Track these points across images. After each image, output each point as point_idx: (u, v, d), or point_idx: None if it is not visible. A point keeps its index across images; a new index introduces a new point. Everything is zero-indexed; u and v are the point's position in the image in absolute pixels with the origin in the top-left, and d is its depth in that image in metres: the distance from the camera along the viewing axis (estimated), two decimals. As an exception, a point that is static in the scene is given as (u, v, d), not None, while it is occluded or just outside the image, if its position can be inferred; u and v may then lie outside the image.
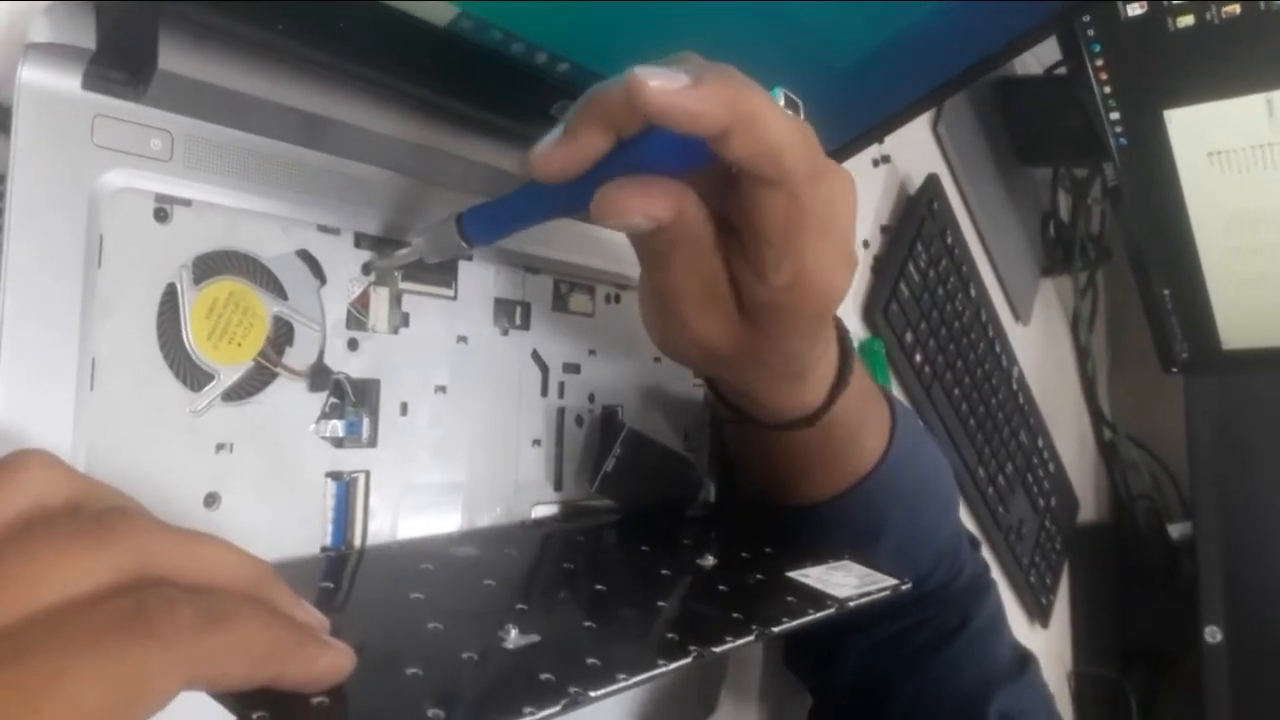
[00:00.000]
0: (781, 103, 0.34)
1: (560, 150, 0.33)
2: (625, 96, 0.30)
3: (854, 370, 0.47)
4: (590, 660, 0.33)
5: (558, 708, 0.29)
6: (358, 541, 0.40)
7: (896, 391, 0.84)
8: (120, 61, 0.31)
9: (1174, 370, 1.06)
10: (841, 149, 0.55)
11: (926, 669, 0.57)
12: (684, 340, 0.40)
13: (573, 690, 0.30)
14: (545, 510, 0.49)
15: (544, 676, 0.31)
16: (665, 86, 0.30)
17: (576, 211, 0.35)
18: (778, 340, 0.39)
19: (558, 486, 0.49)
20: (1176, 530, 1.28)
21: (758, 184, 0.33)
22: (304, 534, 0.38)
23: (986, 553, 0.92)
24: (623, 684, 0.32)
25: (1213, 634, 1.10)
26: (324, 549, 0.39)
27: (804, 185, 0.33)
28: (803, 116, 0.34)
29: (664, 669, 0.34)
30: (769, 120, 0.31)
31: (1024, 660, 0.60)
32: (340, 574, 0.38)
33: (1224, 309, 0.97)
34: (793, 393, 0.45)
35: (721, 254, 0.36)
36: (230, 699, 0.25)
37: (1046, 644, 1.15)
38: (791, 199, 0.33)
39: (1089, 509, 1.30)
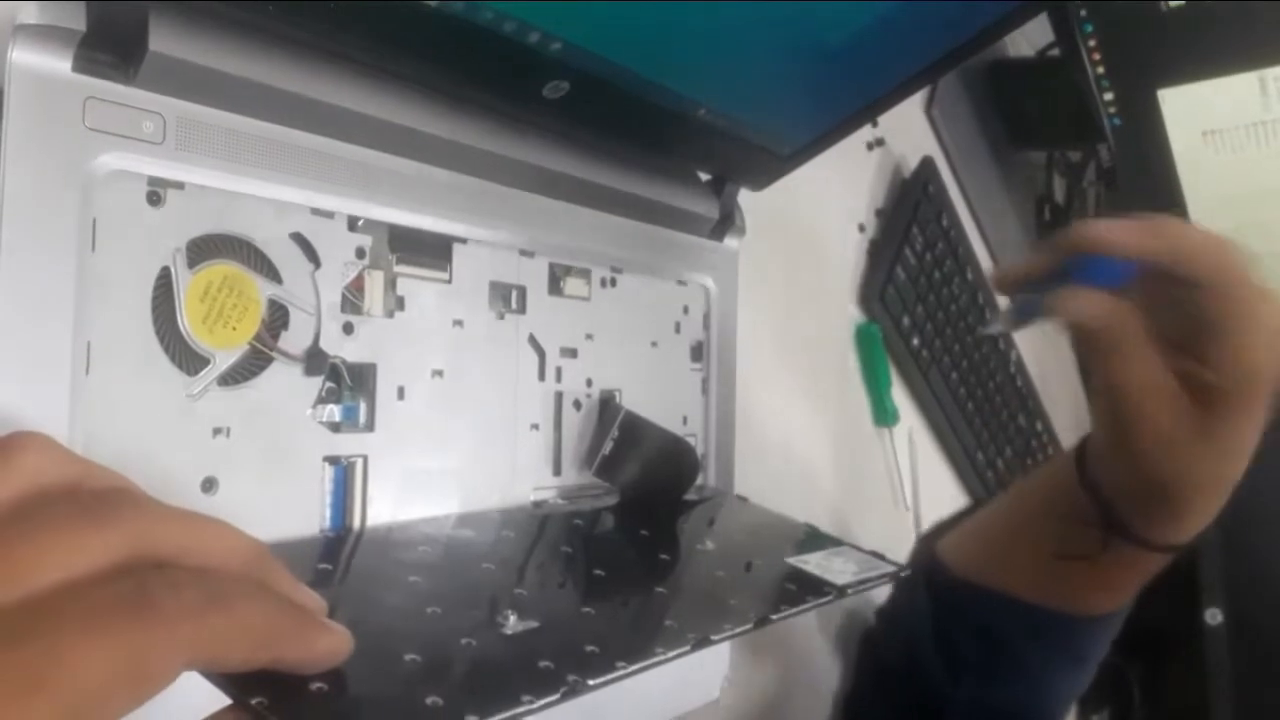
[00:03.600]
0: None
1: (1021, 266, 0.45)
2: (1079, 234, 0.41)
3: None
4: (589, 647, 0.33)
5: (556, 696, 0.29)
6: (356, 526, 0.40)
7: (895, 377, 0.84)
8: (111, 44, 0.31)
9: (1171, 352, 1.06)
10: (836, 128, 0.54)
11: None
12: (1136, 433, 0.44)
13: (571, 678, 0.30)
14: (544, 494, 0.49)
15: (543, 664, 0.31)
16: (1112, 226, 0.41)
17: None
18: (1232, 418, 0.43)
19: (556, 471, 0.49)
20: (1176, 513, 1.28)
21: (1191, 288, 0.40)
22: (302, 519, 0.38)
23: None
24: (621, 672, 0.32)
25: (1214, 616, 1.10)
26: (322, 532, 0.39)
27: (1231, 283, 0.40)
28: None
29: (662, 657, 0.34)
30: (1192, 236, 0.41)
31: None
32: (339, 557, 0.38)
33: (1220, 290, 0.97)
34: (1204, 506, 0.46)
35: (1160, 353, 0.43)
36: (229, 683, 0.25)
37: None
38: (1221, 296, 0.40)
39: (1088, 493, 1.30)
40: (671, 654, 0.35)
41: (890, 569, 0.49)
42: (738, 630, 0.38)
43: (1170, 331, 0.42)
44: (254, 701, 0.25)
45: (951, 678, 0.56)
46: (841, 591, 0.45)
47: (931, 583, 0.57)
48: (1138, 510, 0.47)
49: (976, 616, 0.55)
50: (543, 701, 0.29)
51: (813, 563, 0.47)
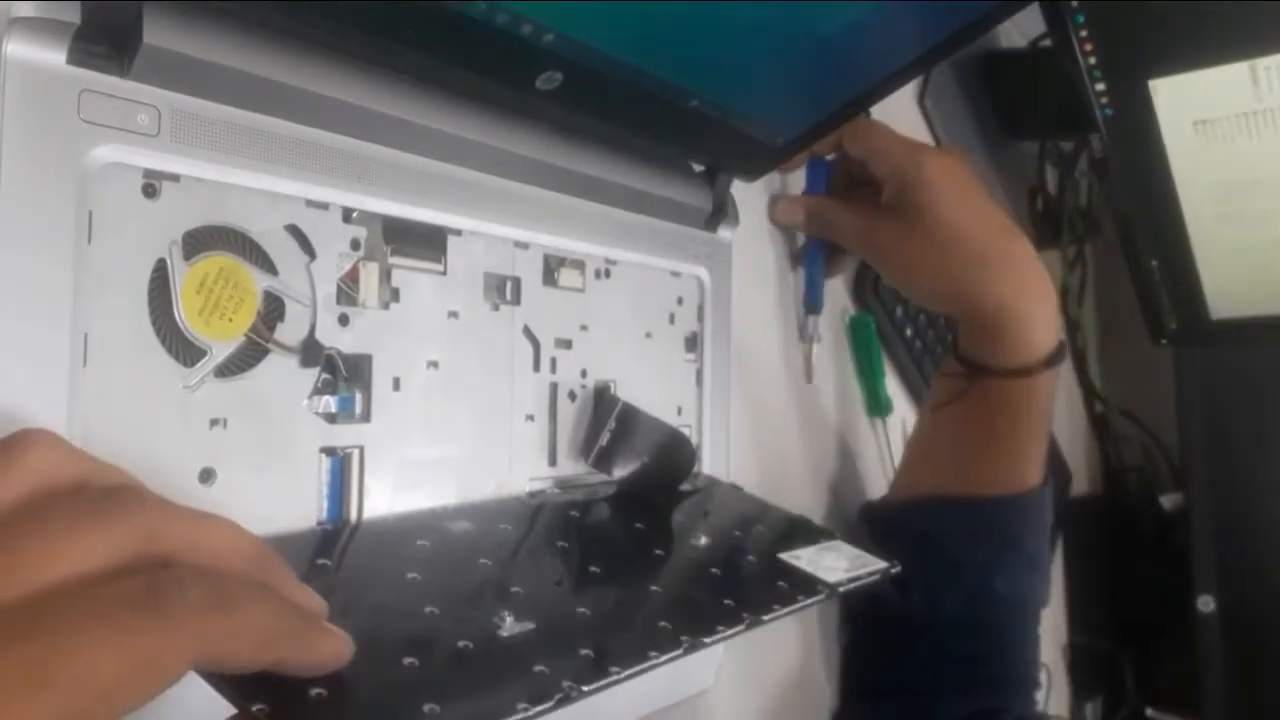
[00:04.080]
0: None
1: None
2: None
3: (1059, 369, 0.63)
4: (584, 651, 0.34)
5: (551, 703, 0.30)
6: (353, 517, 0.40)
7: (888, 367, 0.85)
8: (105, 36, 0.31)
9: (1163, 341, 1.07)
10: (828, 119, 0.55)
11: None
12: (883, 260, 0.65)
13: (566, 685, 0.31)
14: (539, 485, 0.49)
15: (538, 669, 0.32)
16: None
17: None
18: (910, 203, 0.61)
19: (551, 461, 0.50)
20: (1169, 501, 1.29)
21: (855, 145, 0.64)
22: (300, 510, 0.38)
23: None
24: (615, 677, 0.33)
25: (1206, 603, 1.10)
26: (320, 524, 0.39)
27: (859, 135, 0.64)
28: None
29: (656, 661, 0.35)
30: (845, 129, 0.61)
31: None
32: (337, 551, 0.38)
33: (1211, 279, 0.97)
34: (1010, 325, 0.61)
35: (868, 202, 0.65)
36: (229, 688, 0.25)
37: (1041, 616, 1.15)
38: (855, 140, 0.64)
39: (1081, 482, 1.31)
40: (664, 658, 0.36)
41: (881, 566, 0.50)
42: (730, 632, 0.39)
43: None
44: (255, 709, 0.25)
45: (904, 598, 0.63)
46: (833, 590, 0.45)
47: (873, 519, 0.68)
48: (972, 345, 0.63)
49: (908, 528, 0.64)
50: (538, 709, 0.29)
51: (805, 559, 0.48)
